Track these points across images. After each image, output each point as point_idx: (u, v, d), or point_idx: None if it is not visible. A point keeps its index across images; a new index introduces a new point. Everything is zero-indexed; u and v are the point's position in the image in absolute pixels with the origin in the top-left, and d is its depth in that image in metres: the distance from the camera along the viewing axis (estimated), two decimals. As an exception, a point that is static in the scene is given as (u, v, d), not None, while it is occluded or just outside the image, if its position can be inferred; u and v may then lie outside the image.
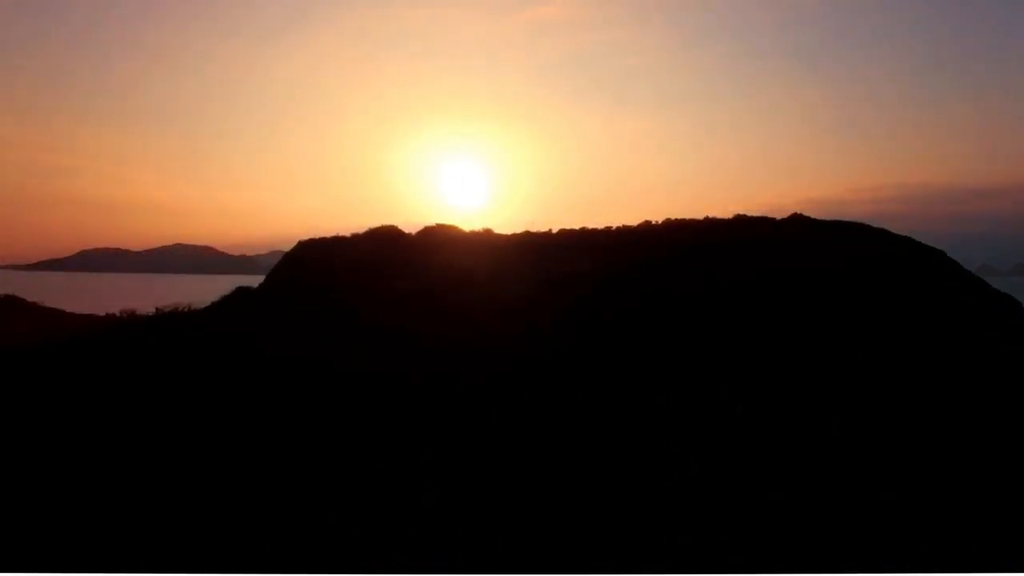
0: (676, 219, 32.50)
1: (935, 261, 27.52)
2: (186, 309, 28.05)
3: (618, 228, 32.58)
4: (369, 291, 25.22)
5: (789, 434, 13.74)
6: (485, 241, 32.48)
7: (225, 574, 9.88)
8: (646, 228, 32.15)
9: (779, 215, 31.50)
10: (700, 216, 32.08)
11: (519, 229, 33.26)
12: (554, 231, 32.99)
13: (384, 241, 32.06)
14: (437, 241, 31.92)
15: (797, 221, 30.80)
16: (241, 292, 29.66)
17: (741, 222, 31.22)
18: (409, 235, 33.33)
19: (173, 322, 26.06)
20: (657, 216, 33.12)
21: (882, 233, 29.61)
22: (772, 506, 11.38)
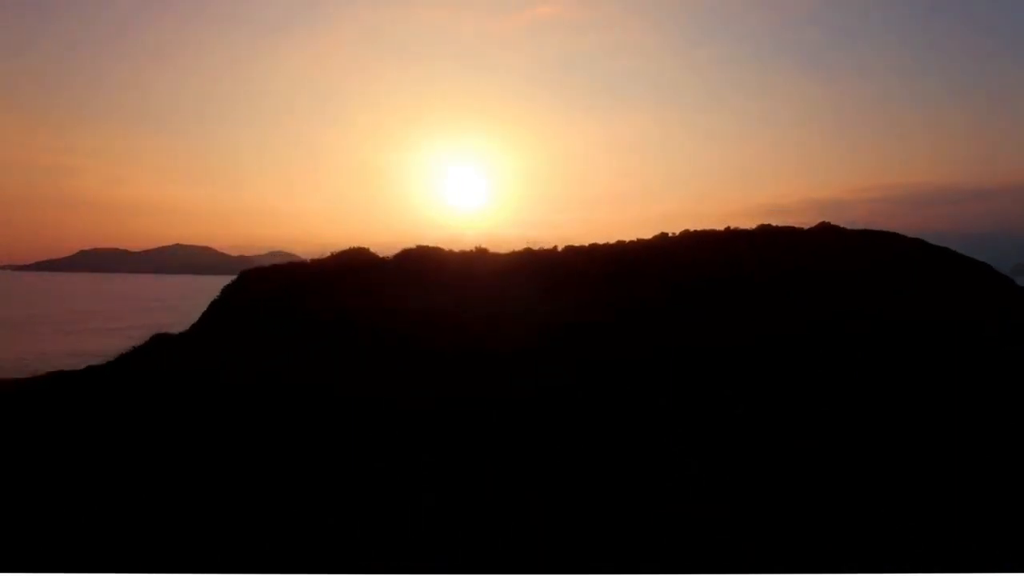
0: (695, 231, 29.14)
1: (959, 266, 26.02)
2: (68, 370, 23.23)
3: (631, 243, 28.73)
4: (326, 337, 21.37)
5: (789, 434, 13.74)
6: (477, 265, 27.26)
7: (225, 574, 9.87)
8: (662, 242, 28.52)
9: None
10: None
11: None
12: (559, 248, 28.59)
13: (349, 269, 26.66)
14: (417, 268, 26.74)
15: (825, 230, 28.63)
16: (158, 340, 24.58)
17: (765, 233, 28.40)
18: (384, 260, 27.95)
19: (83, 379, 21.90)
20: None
21: (916, 242, 27.88)
22: (772, 506, 11.38)
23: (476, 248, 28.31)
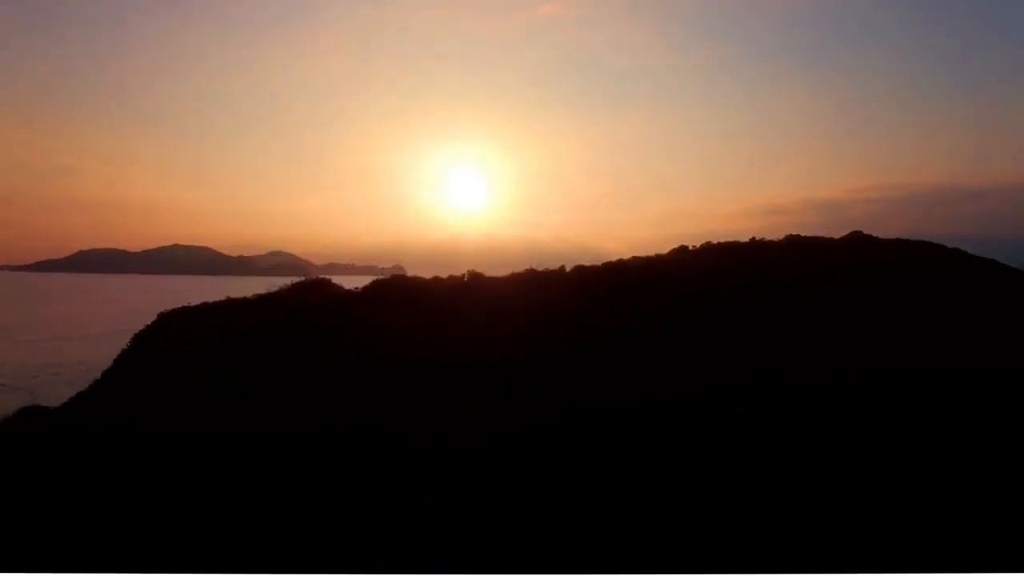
0: (718, 243, 26.69)
1: (1005, 278, 24.36)
2: None
3: (649, 260, 25.29)
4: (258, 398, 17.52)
5: (789, 434, 13.74)
6: (466, 297, 21.91)
7: (225, 574, 9.86)
8: (682, 259, 25.49)
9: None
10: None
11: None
12: (567, 269, 24.50)
13: (301, 307, 21.34)
14: (391, 303, 21.27)
15: (857, 241, 27.24)
16: (28, 415, 18.78)
17: (794, 245, 26.49)
18: (347, 295, 22.58)
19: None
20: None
21: (955, 252, 26.56)
22: (772, 506, 11.39)
23: (468, 273, 23.55)
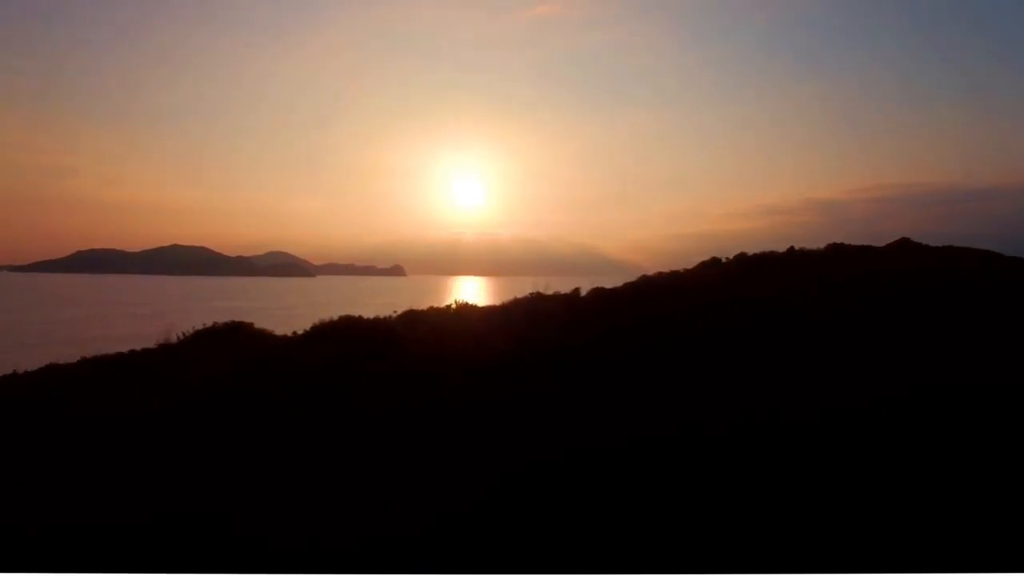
0: (752, 254, 24.38)
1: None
2: None
3: (676, 276, 22.42)
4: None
5: (788, 433, 13.74)
6: (449, 335, 16.17)
7: (225, 574, 9.86)
8: (716, 274, 22.71)
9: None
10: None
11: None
12: (583, 293, 20.29)
13: (207, 366, 14.82)
14: (335, 363, 14.66)
15: (905, 250, 25.49)
16: None
17: (838, 253, 24.80)
18: (287, 340, 16.71)
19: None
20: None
21: (1017, 262, 24.55)
22: (772, 506, 11.38)
23: (455, 304, 19.79)
